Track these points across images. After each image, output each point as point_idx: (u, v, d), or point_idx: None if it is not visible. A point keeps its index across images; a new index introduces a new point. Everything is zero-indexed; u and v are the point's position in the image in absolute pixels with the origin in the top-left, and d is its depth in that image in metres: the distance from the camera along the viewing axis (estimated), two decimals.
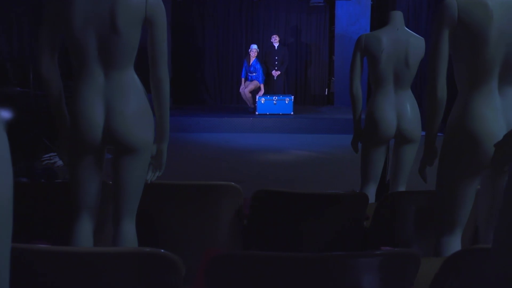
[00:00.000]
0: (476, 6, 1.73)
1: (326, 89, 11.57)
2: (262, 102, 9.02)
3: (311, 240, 2.31)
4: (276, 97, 9.08)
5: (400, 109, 2.81)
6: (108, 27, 1.79)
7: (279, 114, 9.01)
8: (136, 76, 1.93)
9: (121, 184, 1.94)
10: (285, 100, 9.09)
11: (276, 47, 9.65)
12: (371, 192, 2.94)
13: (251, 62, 9.26)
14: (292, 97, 9.21)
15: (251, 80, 9.37)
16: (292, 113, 9.09)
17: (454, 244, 1.94)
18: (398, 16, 2.82)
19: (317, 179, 5.63)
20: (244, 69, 9.38)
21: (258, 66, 9.28)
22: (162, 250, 1.27)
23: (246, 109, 9.57)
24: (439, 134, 1.99)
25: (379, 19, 3.28)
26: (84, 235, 1.97)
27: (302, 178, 5.61)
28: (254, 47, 9.32)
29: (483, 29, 1.73)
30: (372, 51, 2.78)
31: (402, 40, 2.76)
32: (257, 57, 9.32)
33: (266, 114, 9.00)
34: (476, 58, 1.77)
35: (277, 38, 9.70)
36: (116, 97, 1.84)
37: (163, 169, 2.08)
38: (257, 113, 9.04)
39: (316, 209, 2.26)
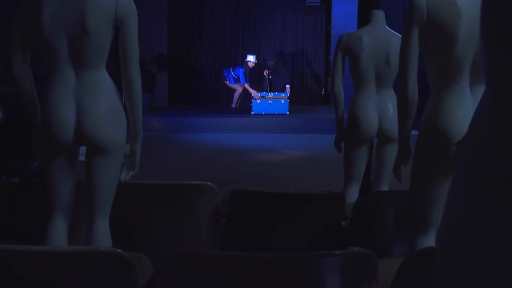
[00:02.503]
0: (445, 5, 1.72)
1: (323, 89, 11.56)
2: (258, 102, 9.02)
3: (289, 239, 2.30)
4: (272, 94, 9.09)
5: (382, 109, 2.80)
6: (78, 28, 1.79)
7: (275, 114, 9.01)
8: (108, 76, 1.93)
9: (93, 183, 1.94)
10: (280, 100, 9.09)
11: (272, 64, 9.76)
12: (354, 191, 2.93)
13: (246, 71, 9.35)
14: (288, 92, 9.19)
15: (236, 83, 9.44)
16: (287, 113, 9.08)
17: (428, 243, 1.93)
18: (379, 16, 2.81)
19: (311, 178, 5.63)
20: (242, 75, 9.41)
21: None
22: (119, 250, 1.26)
23: (243, 109, 9.58)
24: (414, 133, 1.98)
25: (363, 18, 3.27)
26: (58, 234, 1.98)
27: (295, 177, 5.61)
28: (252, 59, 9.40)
29: (452, 28, 1.72)
30: (353, 50, 2.77)
31: (384, 39, 2.75)
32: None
33: (262, 114, 9.00)
34: (446, 57, 1.76)
35: (273, 63, 9.82)
36: (87, 97, 1.85)
37: (136, 169, 2.08)
38: (252, 113, 9.04)
39: (293, 209, 2.26)
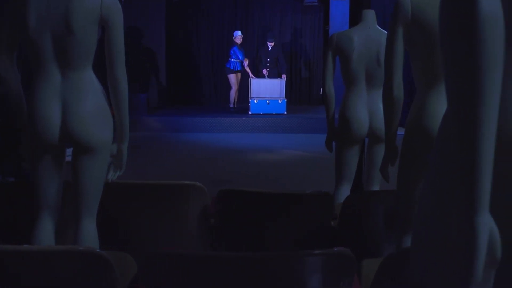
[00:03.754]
0: (430, 4, 1.72)
1: (321, 89, 11.54)
2: (255, 102, 9.02)
3: (278, 239, 2.30)
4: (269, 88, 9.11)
5: (372, 108, 2.80)
6: (63, 28, 1.79)
7: (272, 114, 9.01)
8: (94, 76, 1.93)
9: (80, 183, 1.95)
10: (278, 100, 9.09)
11: (270, 48, 9.65)
12: (345, 191, 2.93)
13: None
14: (284, 79, 9.24)
15: (237, 71, 9.34)
16: (285, 112, 9.08)
17: None
18: (370, 15, 2.81)
19: (308, 178, 5.63)
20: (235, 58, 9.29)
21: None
22: (97, 249, 1.26)
23: (240, 109, 9.57)
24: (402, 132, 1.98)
25: (354, 18, 3.27)
26: (45, 234, 1.99)
27: (292, 177, 5.61)
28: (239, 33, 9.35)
29: (437, 27, 1.71)
30: (343, 50, 2.77)
31: (374, 39, 2.75)
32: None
33: (259, 114, 9.00)
34: (431, 57, 1.76)
35: (272, 44, 9.71)
36: (73, 97, 1.85)
37: (123, 169, 2.09)
38: (250, 112, 9.03)
39: (281, 209, 2.26)
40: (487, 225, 0.69)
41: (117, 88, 1.94)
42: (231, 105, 9.60)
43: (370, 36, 2.76)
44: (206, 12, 11.08)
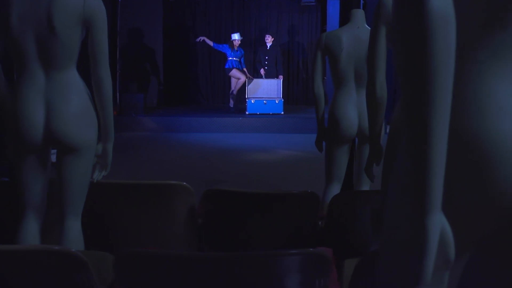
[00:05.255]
0: None
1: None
2: (252, 102, 9.02)
3: (264, 239, 2.30)
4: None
5: (361, 108, 2.80)
6: (45, 28, 1.80)
7: (269, 114, 9.01)
8: (78, 76, 1.93)
9: (64, 183, 1.95)
10: (275, 100, 9.09)
11: (268, 47, 9.65)
12: (335, 191, 2.93)
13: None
14: (281, 79, 9.24)
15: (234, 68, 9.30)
16: (282, 112, 9.07)
17: None
18: (359, 15, 2.81)
19: (304, 178, 5.62)
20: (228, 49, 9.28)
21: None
22: (73, 250, 1.26)
23: (237, 109, 9.56)
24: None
25: (344, 17, 3.27)
26: (30, 234, 1.99)
27: (287, 177, 5.60)
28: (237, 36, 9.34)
29: None
30: (332, 50, 2.77)
31: (363, 38, 2.75)
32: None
33: (256, 114, 8.99)
34: None
35: (270, 39, 9.69)
36: (56, 97, 1.86)
37: (108, 169, 2.09)
38: (247, 112, 9.03)
39: (268, 209, 2.26)
40: (438, 225, 0.69)
41: (101, 88, 1.93)
42: (231, 105, 9.53)
43: (358, 35, 2.76)
44: (203, 13, 11.09)
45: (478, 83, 0.80)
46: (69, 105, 1.86)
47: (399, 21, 0.67)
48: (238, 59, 9.31)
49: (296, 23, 11.21)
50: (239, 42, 9.33)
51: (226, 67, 9.43)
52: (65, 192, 1.95)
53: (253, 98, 9.06)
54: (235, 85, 9.41)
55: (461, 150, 0.80)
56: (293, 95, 11.30)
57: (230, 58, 9.29)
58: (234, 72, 9.31)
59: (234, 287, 1.33)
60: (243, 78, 9.28)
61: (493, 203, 0.81)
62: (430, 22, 0.64)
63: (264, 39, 9.79)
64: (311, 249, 1.29)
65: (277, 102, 9.09)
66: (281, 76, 9.44)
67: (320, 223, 2.35)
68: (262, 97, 9.10)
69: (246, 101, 9.13)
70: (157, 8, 9.93)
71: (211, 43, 9.55)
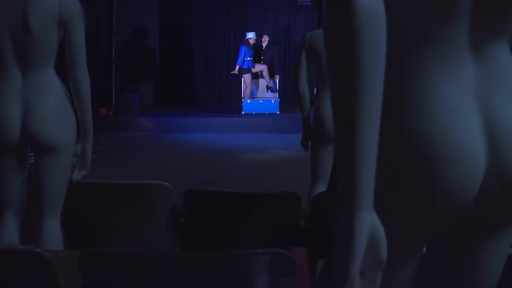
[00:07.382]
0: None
1: (315, 88, 11.52)
2: (248, 102, 9.02)
3: (246, 239, 2.30)
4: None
5: None
6: (21, 28, 1.79)
7: (265, 114, 9.01)
8: (56, 76, 1.93)
9: (42, 183, 1.95)
10: (271, 99, 9.09)
11: (264, 46, 9.64)
12: (321, 190, 2.93)
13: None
14: (277, 79, 9.19)
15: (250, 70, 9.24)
16: (278, 112, 9.08)
17: None
18: None
19: (299, 178, 5.61)
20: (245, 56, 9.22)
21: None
22: (38, 249, 1.27)
23: (234, 108, 9.56)
24: None
25: None
26: (9, 234, 1.99)
27: (282, 177, 5.59)
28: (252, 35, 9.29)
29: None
30: (316, 49, 2.77)
31: None
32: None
33: (252, 114, 9.00)
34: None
35: (266, 39, 9.68)
36: (33, 97, 1.86)
37: (88, 168, 2.09)
38: (243, 112, 9.03)
39: (249, 208, 2.26)
40: (366, 224, 0.69)
41: (78, 88, 1.93)
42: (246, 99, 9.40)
43: None
44: (200, 13, 11.09)
45: (424, 81, 0.80)
46: (46, 105, 1.86)
47: (329, 24, 0.67)
48: (252, 58, 9.28)
49: (292, 22, 11.21)
50: (254, 40, 9.29)
51: (244, 67, 9.25)
52: (43, 192, 1.95)
53: (249, 98, 9.06)
54: (245, 89, 9.37)
55: (408, 149, 0.80)
56: (289, 95, 11.29)
57: (247, 58, 9.23)
58: (247, 79, 9.27)
59: (203, 286, 1.33)
60: (248, 88, 9.28)
61: (441, 201, 0.81)
62: (356, 19, 0.63)
63: (261, 38, 9.78)
64: (277, 249, 1.29)
65: (273, 102, 9.09)
66: (277, 76, 9.44)
67: (302, 222, 2.35)
68: (258, 97, 9.10)
69: (242, 100, 9.13)
70: (153, 7, 9.93)
71: (237, 65, 9.36)
